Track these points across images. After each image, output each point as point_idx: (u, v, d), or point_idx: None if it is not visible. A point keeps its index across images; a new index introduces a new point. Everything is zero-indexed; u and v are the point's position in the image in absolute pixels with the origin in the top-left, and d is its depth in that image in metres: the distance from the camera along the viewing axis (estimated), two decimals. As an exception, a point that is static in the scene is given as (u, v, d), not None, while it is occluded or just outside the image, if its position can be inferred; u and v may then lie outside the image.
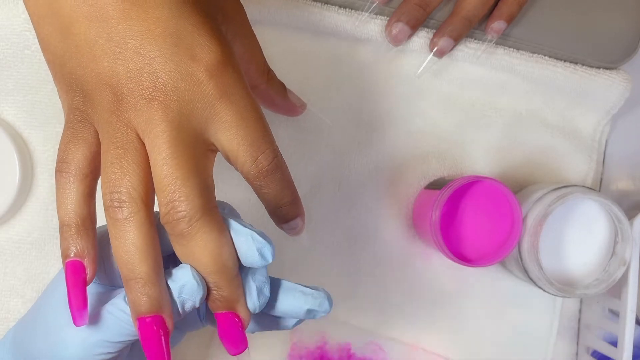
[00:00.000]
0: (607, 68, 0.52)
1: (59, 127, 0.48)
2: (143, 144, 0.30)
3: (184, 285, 0.30)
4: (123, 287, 0.31)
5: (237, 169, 0.32)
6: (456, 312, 0.52)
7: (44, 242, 0.48)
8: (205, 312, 0.36)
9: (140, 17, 0.29)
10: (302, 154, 0.51)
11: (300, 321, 0.35)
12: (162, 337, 0.29)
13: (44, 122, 0.48)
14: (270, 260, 0.32)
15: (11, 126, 0.48)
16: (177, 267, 0.31)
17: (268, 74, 0.42)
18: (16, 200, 0.47)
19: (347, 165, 0.51)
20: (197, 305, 0.31)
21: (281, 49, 0.50)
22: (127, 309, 0.30)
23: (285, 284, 0.34)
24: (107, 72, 0.29)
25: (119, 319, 0.31)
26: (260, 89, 0.42)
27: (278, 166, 0.32)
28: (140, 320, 0.29)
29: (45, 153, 0.48)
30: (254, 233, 0.31)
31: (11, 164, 0.47)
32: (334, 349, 0.50)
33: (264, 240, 0.32)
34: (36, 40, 0.48)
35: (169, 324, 0.30)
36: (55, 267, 0.49)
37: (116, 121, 0.29)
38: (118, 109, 0.29)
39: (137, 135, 0.29)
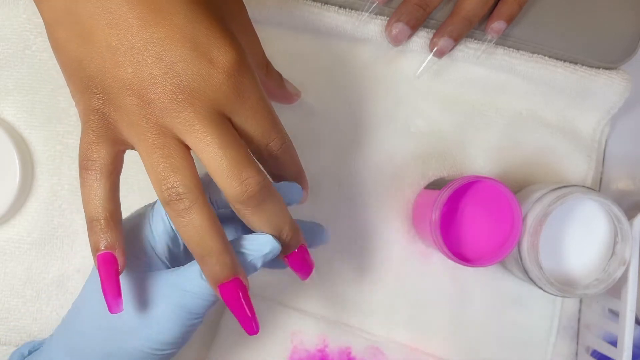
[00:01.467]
0: (607, 68, 0.52)
1: (59, 127, 0.48)
2: (181, 141, 0.32)
3: (271, 251, 0.34)
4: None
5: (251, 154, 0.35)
6: (456, 313, 0.52)
7: (44, 242, 0.48)
8: None
9: (159, 24, 0.30)
10: (302, 154, 0.50)
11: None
12: (243, 296, 0.33)
13: (44, 122, 0.48)
14: (298, 200, 0.38)
15: (11, 126, 0.48)
16: (255, 237, 0.35)
17: (267, 66, 0.44)
18: (16, 200, 0.47)
19: (347, 165, 0.51)
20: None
21: (281, 49, 0.50)
22: (201, 284, 0.34)
23: None
24: (131, 77, 0.31)
25: (196, 294, 0.34)
26: (260, 81, 0.43)
27: (286, 150, 0.36)
28: (221, 287, 0.33)
29: (46, 153, 0.48)
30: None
31: (11, 164, 0.47)
32: (334, 352, 0.50)
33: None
34: (37, 40, 0.48)
35: (245, 282, 0.33)
36: (55, 266, 0.49)
37: (147, 123, 0.31)
38: (148, 112, 0.31)
39: (174, 134, 0.31)
